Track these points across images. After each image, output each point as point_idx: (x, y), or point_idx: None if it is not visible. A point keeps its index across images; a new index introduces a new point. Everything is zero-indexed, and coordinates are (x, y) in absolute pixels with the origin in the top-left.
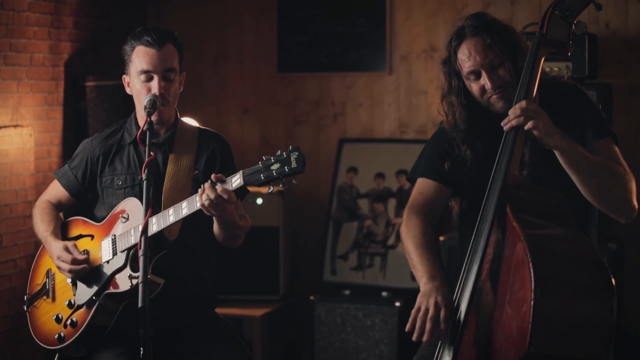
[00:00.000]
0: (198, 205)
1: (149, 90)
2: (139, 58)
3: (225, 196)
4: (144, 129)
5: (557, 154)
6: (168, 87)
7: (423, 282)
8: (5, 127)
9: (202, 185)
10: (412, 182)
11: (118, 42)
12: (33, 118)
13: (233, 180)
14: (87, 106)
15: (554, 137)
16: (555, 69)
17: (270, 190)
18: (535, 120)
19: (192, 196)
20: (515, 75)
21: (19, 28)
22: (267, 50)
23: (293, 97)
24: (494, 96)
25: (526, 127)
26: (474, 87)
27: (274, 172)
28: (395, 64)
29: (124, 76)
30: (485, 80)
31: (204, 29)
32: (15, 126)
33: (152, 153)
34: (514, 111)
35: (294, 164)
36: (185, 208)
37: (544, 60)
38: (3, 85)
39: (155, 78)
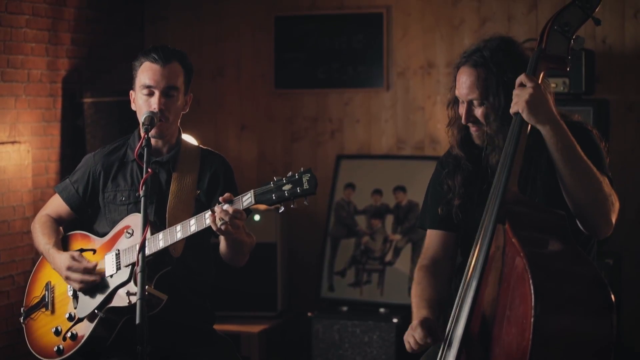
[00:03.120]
0: (207, 223)
1: (150, 105)
2: (143, 73)
3: (237, 215)
4: (142, 145)
5: (544, 136)
6: (168, 104)
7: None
8: (2, 143)
9: (216, 205)
10: (421, 228)
11: (115, 58)
12: (31, 134)
13: (244, 199)
14: (85, 122)
15: (538, 116)
16: (553, 85)
17: (281, 210)
18: (516, 97)
19: (201, 213)
20: (495, 115)
21: (17, 44)
22: (264, 66)
23: (290, 114)
24: (471, 128)
25: (513, 110)
26: (460, 109)
27: (285, 192)
28: (393, 80)
29: (130, 92)
30: (462, 110)
31: (201, 45)
32: (13, 142)
33: (149, 170)
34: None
35: (305, 186)
36: (193, 225)
37: (544, 76)
38: (1, 102)
39: (156, 94)
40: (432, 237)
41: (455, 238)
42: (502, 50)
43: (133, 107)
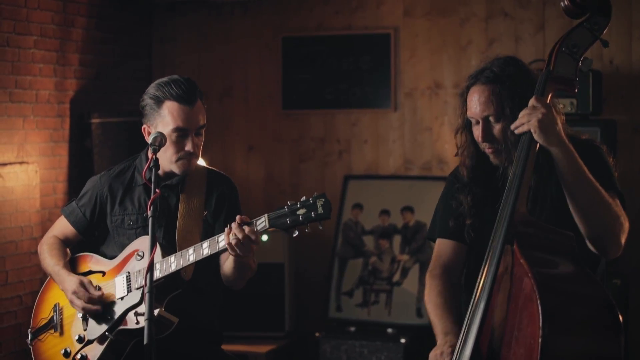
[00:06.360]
0: (220, 246)
1: (183, 147)
2: (173, 115)
3: (252, 237)
4: (150, 166)
5: (553, 157)
6: (198, 142)
7: (438, 339)
8: (11, 163)
9: (228, 225)
10: (432, 241)
11: (123, 79)
12: (39, 155)
13: (258, 222)
14: (93, 143)
15: (549, 137)
16: (560, 105)
17: (295, 235)
18: (527, 116)
19: (214, 237)
20: (512, 135)
21: (25, 65)
22: (271, 87)
23: (298, 134)
24: (487, 149)
25: (523, 129)
26: (474, 132)
27: (300, 217)
28: (400, 101)
29: (144, 126)
30: (478, 130)
31: (208, 66)
32: (21, 163)
33: (157, 190)
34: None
35: (320, 210)
36: (206, 248)
37: (552, 97)
38: (9, 122)
39: (190, 136)
40: (442, 246)
41: (465, 249)
42: (510, 65)
43: (149, 140)
